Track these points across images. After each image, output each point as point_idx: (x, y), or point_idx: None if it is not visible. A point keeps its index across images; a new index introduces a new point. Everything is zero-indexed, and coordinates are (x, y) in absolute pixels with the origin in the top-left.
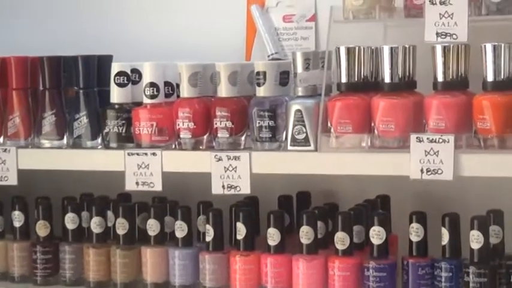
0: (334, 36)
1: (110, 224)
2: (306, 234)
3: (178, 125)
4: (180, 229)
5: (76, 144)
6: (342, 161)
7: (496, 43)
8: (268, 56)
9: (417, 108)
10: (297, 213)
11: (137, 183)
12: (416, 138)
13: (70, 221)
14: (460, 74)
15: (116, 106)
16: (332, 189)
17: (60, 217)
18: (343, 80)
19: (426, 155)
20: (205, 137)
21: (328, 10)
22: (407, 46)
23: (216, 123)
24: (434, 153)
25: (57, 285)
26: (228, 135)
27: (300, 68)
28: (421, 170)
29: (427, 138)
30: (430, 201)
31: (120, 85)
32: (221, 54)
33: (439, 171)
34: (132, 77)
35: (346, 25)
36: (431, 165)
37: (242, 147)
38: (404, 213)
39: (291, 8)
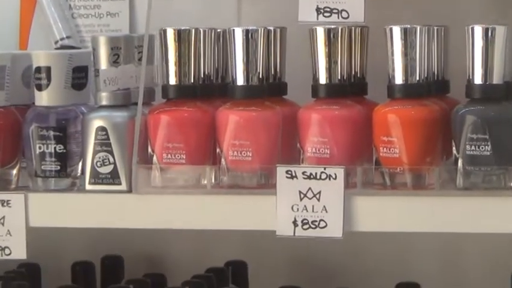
0: (159, 12)
1: None
2: None
3: None
4: None
5: None
6: (170, 207)
7: (409, 25)
8: (56, 43)
9: (288, 126)
10: None
11: None
12: (287, 172)
13: None
14: (354, 73)
15: None
16: (157, 252)
17: None
18: (172, 81)
19: (302, 199)
20: None
21: None
22: (272, 28)
23: None
24: (314, 196)
25: None
26: None
27: (104, 63)
28: (294, 222)
29: (303, 173)
30: (311, 269)
31: None
32: None
33: (322, 224)
34: None
35: None
36: (310, 214)
37: (13, 186)
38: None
39: None
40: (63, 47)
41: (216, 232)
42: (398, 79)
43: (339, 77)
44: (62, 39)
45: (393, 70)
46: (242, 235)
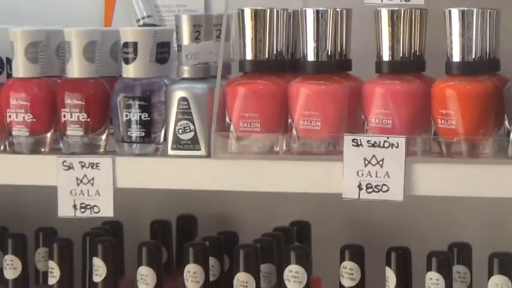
0: None
1: None
2: (193, 275)
3: (10, 117)
4: (11, 267)
5: None
6: (244, 171)
7: (466, 8)
8: (138, 21)
9: (354, 99)
10: (178, 245)
11: None
12: (353, 141)
13: None
14: (414, 51)
15: None
16: (230, 212)
17: None
18: (249, 56)
19: (366, 165)
20: (48, 135)
21: None
22: (339, 10)
23: (64, 116)
24: (378, 163)
25: None
26: (81, 133)
27: (186, 39)
28: (359, 186)
29: (368, 141)
30: (370, 230)
31: None
32: (72, 18)
33: (384, 188)
34: None
35: None
36: (373, 179)
37: (102, 150)
38: (332, 247)
39: None
40: (146, 25)
41: (282, 194)
42: (456, 57)
43: (401, 55)
44: (143, 18)
45: (451, 49)
46: (306, 198)
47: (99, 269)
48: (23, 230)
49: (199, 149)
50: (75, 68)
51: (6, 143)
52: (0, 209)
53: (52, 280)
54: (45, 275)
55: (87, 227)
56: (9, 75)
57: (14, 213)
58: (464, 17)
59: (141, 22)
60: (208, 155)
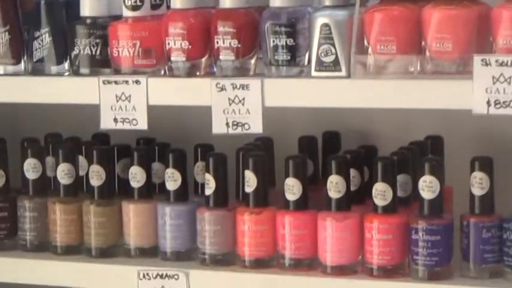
0: None
1: (82, 173)
2: (335, 185)
3: (169, 44)
4: (172, 179)
5: (37, 70)
6: (382, 90)
7: None
8: None
9: (483, 22)
10: (323, 158)
11: (116, 120)
12: (482, 60)
13: (31, 168)
14: None
15: (88, 21)
16: (369, 128)
17: (19, 164)
18: None
19: (494, 83)
20: (203, 60)
21: None
22: None
23: (217, 43)
24: (505, 80)
25: (15, 251)
26: (233, 58)
27: None
28: (488, 102)
29: (496, 61)
30: (498, 143)
31: None
32: None
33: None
34: None
35: None
36: (501, 95)
37: (252, 73)
38: (462, 159)
39: None
40: None
41: (417, 111)
42: None
43: None
44: None
45: None
46: (439, 114)
47: (250, 181)
48: (183, 146)
49: (341, 70)
50: None
51: (166, 68)
52: (162, 128)
53: (208, 191)
54: (203, 186)
55: (241, 143)
56: (168, 7)
57: (175, 131)
58: None
59: None
60: (349, 76)
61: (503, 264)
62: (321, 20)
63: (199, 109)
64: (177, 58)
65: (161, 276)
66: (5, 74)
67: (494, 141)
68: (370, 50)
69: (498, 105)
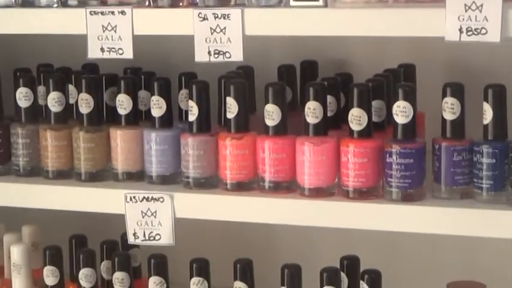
0: None
1: (71, 101)
2: (312, 111)
3: None
4: (157, 106)
5: (26, 1)
6: (358, 19)
7: None
8: None
9: None
10: (301, 85)
11: (102, 50)
12: None
13: (23, 97)
14: None
15: None
16: (345, 56)
17: (11, 93)
18: None
19: (466, 10)
20: None
21: None
22: None
23: None
24: (477, 8)
25: (9, 176)
26: None
27: None
28: (460, 30)
29: None
30: (469, 70)
31: None
32: None
33: (483, 31)
34: None
35: None
36: (473, 23)
37: (233, 2)
38: (433, 85)
39: None
40: None
41: (391, 39)
42: None
43: None
44: None
45: None
46: (412, 41)
47: (231, 107)
48: (168, 74)
49: (318, 0)
50: None
51: None
52: (148, 57)
53: (191, 117)
54: (187, 113)
55: (223, 72)
56: None
57: (160, 60)
58: None
59: None
60: (326, 5)
61: (473, 185)
62: None
63: (183, 38)
64: None
65: (147, 199)
66: None
67: (465, 68)
68: None
69: (470, 33)
